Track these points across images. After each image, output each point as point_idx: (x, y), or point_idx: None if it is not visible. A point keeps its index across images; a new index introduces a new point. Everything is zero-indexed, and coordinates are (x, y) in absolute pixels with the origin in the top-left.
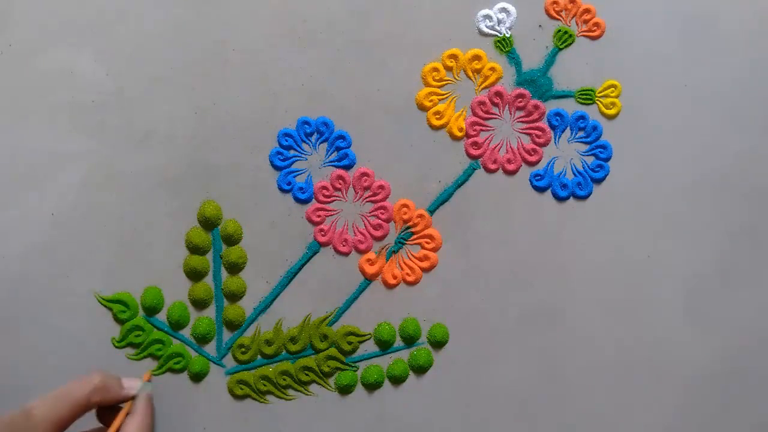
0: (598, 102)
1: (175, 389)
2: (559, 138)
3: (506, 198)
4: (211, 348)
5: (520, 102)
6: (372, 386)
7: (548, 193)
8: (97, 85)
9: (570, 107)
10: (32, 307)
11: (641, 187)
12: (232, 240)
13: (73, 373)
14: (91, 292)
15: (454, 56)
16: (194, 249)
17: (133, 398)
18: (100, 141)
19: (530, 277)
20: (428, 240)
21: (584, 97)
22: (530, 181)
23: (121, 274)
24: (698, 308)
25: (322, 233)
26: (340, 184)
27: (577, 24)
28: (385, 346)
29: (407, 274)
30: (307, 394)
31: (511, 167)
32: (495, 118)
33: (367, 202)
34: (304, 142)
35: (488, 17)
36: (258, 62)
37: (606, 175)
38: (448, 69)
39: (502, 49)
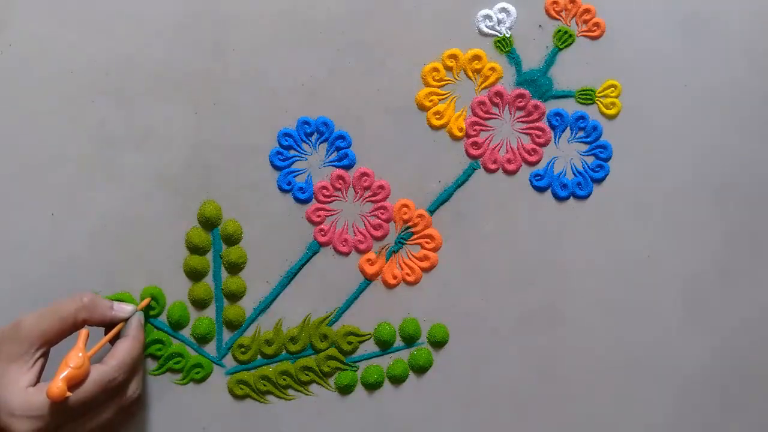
0: (598, 102)
1: (175, 389)
2: (559, 138)
3: (506, 198)
4: (211, 348)
5: (520, 102)
6: (372, 386)
7: (548, 193)
8: (97, 85)
9: (570, 107)
10: (32, 307)
11: (641, 187)
12: (232, 240)
13: None
14: (91, 292)
15: (454, 56)
16: (194, 249)
17: (124, 322)
18: (100, 141)
19: (530, 277)
20: (428, 240)
21: (584, 97)
22: (530, 181)
23: (121, 274)
24: (698, 308)
25: (322, 233)
26: (340, 184)
27: (577, 24)
28: (385, 346)
29: (407, 274)
30: (307, 394)
31: (511, 167)
32: (495, 118)
33: (367, 202)
34: (304, 142)
35: (488, 17)
36: (258, 62)
37: (606, 175)
38: (448, 69)
39: (502, 49)
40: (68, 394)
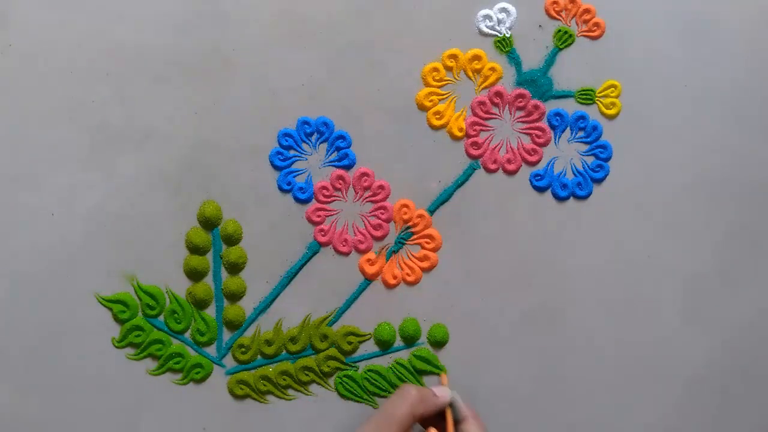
0: (598, 102)
1: (175, 389)
2: (559, 138)
3: (506, 198)
4: (211, 348)
5: (520, 102)
6: None
7: (548, 193)
8: (97, 85)
9: (570, 107)
10: (32, 307)
11: (641, 187)
12: (232, 240)
13: (72, 373)
14: (91, 292)
15: (454, 56)
16: (194, 249)
17: (450, 405)
18: (100, 141)
19: (530, 277)
20: (428, 240)
21: (584, 97)
22: (530, 181)
23: (121, 274)
24: (698, 308)
25: (322, 233)
26: (340, 184)
27: (577, 24)
28: (385, 346)
29: (407, 274)
30: (307, 394)
31: (511, 167)
32: (495, 118)
33: (367, 202)
34: (304, 142)
35: (488, 17)
36: (258, 62)
37: (606, 175)
38: (448, 69)
39: (502, 49)
40: None
